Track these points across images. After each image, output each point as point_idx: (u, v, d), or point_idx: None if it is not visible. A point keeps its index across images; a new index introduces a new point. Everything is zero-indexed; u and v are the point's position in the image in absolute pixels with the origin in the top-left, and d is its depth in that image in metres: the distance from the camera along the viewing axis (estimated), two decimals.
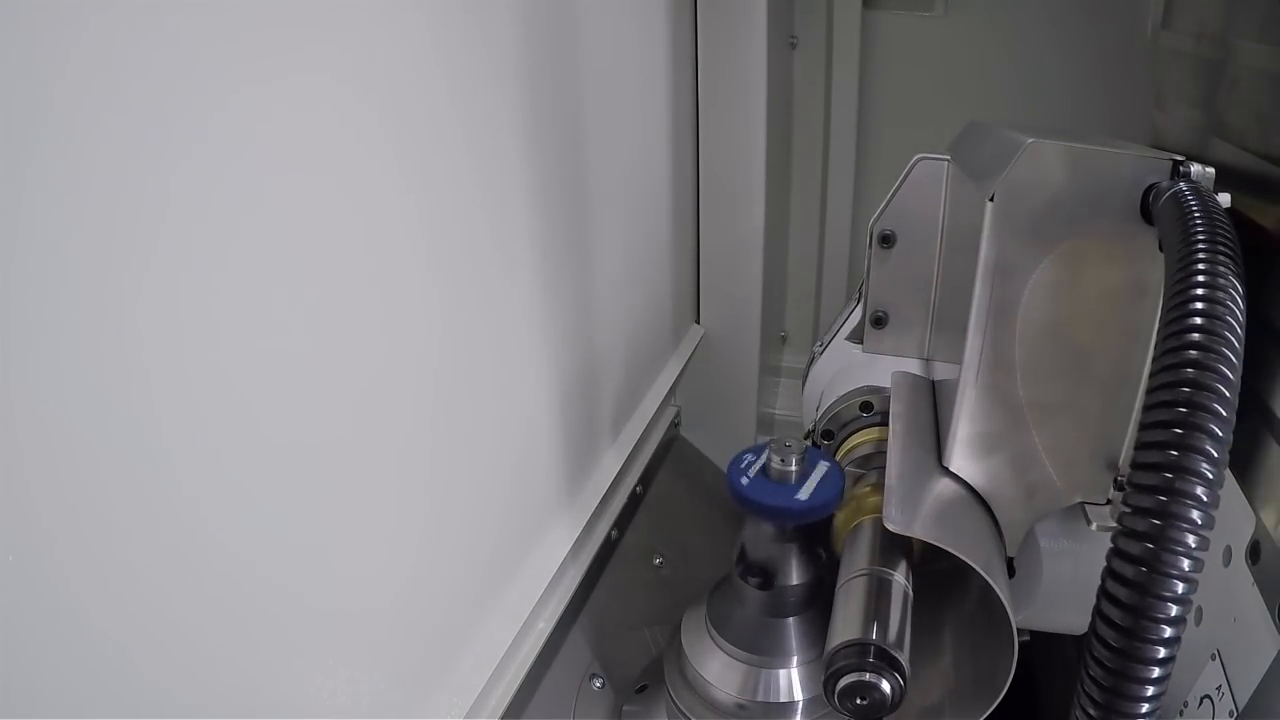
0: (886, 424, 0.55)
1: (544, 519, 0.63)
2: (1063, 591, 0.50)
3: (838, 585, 0.47)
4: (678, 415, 1.00)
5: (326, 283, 0.37)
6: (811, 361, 0.67)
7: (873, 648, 0.41)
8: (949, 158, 0.57)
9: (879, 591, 0.45)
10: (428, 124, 0.43)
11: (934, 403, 0.57)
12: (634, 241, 0.78)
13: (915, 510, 0.45)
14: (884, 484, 0.47)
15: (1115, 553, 0.29)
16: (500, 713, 0.54)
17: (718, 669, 0.55)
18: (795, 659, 0.54)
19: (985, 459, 0.46)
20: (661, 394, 0.88)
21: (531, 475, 0.60)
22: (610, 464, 0.75)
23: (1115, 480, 0.45)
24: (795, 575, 0.53)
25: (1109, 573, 0.29)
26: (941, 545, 0.43)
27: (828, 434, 0.63)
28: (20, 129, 0.23)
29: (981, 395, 0.45)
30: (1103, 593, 0.30)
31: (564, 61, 0.58)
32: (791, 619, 0.54)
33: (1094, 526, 0.46)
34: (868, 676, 0.41)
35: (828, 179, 1.09)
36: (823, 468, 0.52)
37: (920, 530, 0.44)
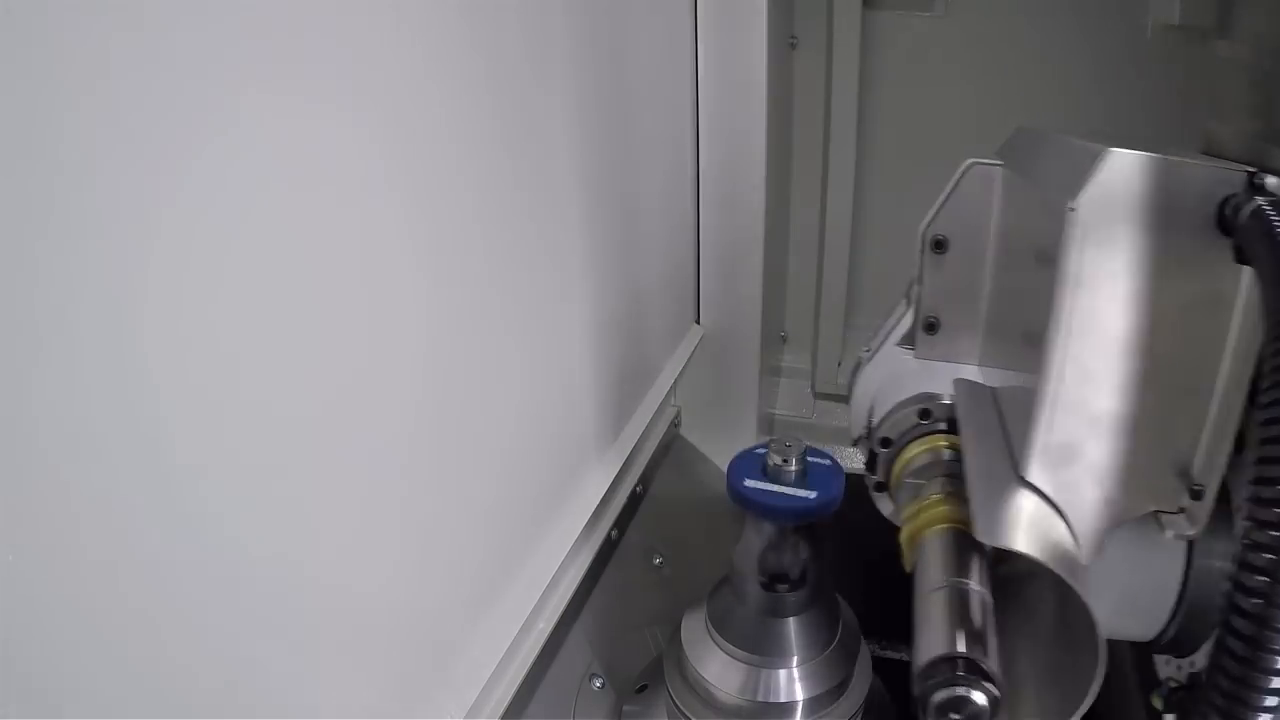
0: (945, 431, 0.54)
1: (543, 519, 0.63)
2: (1133, 600, 0.49)
3: (916, 598, 0.46)
4: (678, 415, 1.00)
5: (320, 283, 0.37)
6: (858, 367, 0.66)
7: (962, 660, 0.40)
8: (1002, 163, 0.57)
9: (962, 603, 0.44)
10: (424, 125, 0.43)
11: (998, 410, 0.56)
12: (634, 241, 0.78)
13: (1004, 521, 0.44)
14: (957, 493, 0.46)
15: (1243, 565, 0.30)
16: (500, 713, 0.54)
17: (718, 669, 0.55)
18: (795, 659, 0.54)
19: (1061, 469, 0.46)
20: (661, 394, 0.88)
21: (530, 475, 0.60)
22: (610, 464, 0.75)
23: (1190, 489, 0.45)
24: (795, 575, 0.53)
25: (1237, 585, 0.30)
26: (1038, 559, 0.42)
27: (885, 441, 0.62)
28: (20, 131, 0.23)
29: (1058, 406, 0.44)
30: (1230, 605, 0.30)
31: (561, 61, 0.58)
32: (791, 619, 0.54)
33: (1168, 535, 0.46)
34: (959, 690, 0.40)
35: (828, 179, 1.09)
36: (822, 467, 0.52)
37: (1021, 544, 0.43)
